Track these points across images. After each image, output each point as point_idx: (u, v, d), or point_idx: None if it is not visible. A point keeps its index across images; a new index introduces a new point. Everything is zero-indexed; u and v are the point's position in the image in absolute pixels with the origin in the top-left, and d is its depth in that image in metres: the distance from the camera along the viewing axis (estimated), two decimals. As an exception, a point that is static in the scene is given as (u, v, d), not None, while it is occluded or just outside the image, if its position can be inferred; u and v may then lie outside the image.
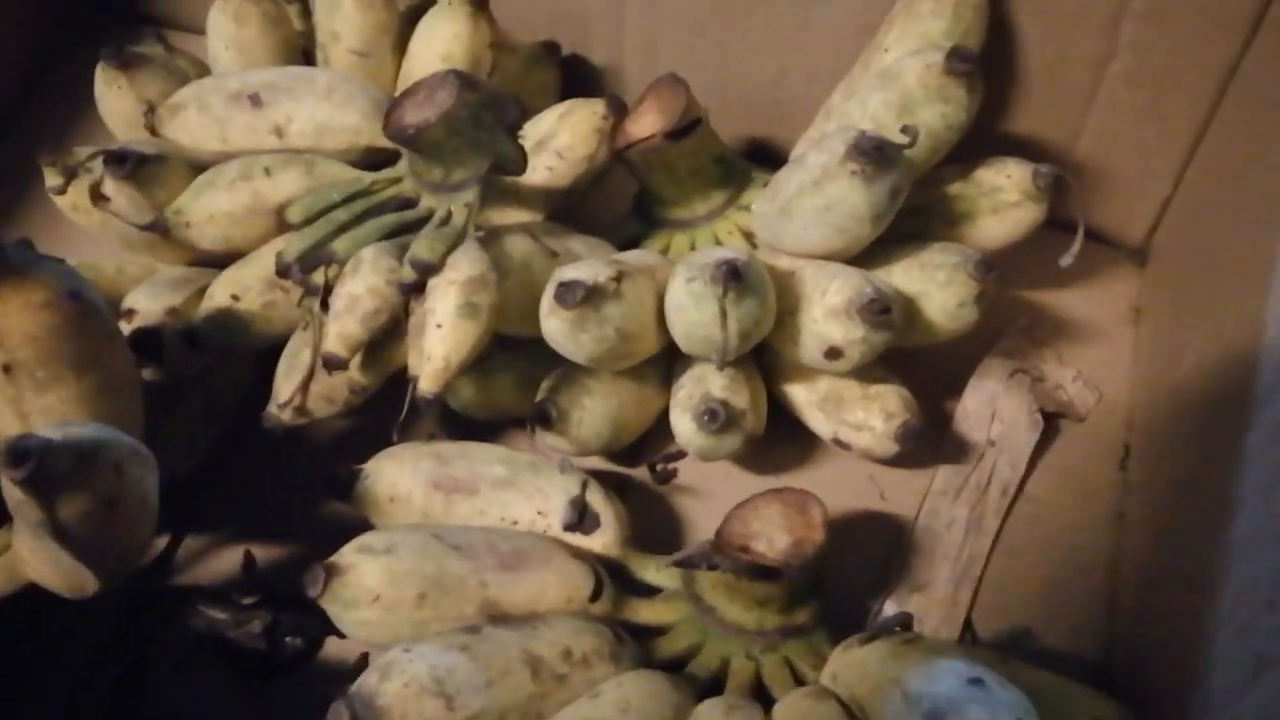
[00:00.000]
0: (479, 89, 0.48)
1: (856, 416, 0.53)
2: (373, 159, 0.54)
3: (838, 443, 0.54)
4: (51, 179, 0.58)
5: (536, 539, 0.47)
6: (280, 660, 0.52)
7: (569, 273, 0.48)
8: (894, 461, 0.56)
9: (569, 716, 0.40)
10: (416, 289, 0.47)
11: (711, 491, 0.58)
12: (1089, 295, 0.64)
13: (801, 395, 0.55)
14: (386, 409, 0.51)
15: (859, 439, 0.53)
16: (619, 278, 0.48)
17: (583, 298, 0.46)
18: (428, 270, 0.46)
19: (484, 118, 0.48)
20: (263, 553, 0.56)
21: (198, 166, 0.53)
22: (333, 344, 0.46)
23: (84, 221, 0.59)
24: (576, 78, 0.68)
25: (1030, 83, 0.60)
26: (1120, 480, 0.58)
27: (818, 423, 0.55)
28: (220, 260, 0.55)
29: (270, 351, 0.54)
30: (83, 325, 0.42)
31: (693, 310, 0.47)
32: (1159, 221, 0.64)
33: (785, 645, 0.47)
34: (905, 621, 0.43)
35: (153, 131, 0.54)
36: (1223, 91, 0.56)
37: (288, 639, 0.52)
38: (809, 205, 0.49)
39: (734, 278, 0.45)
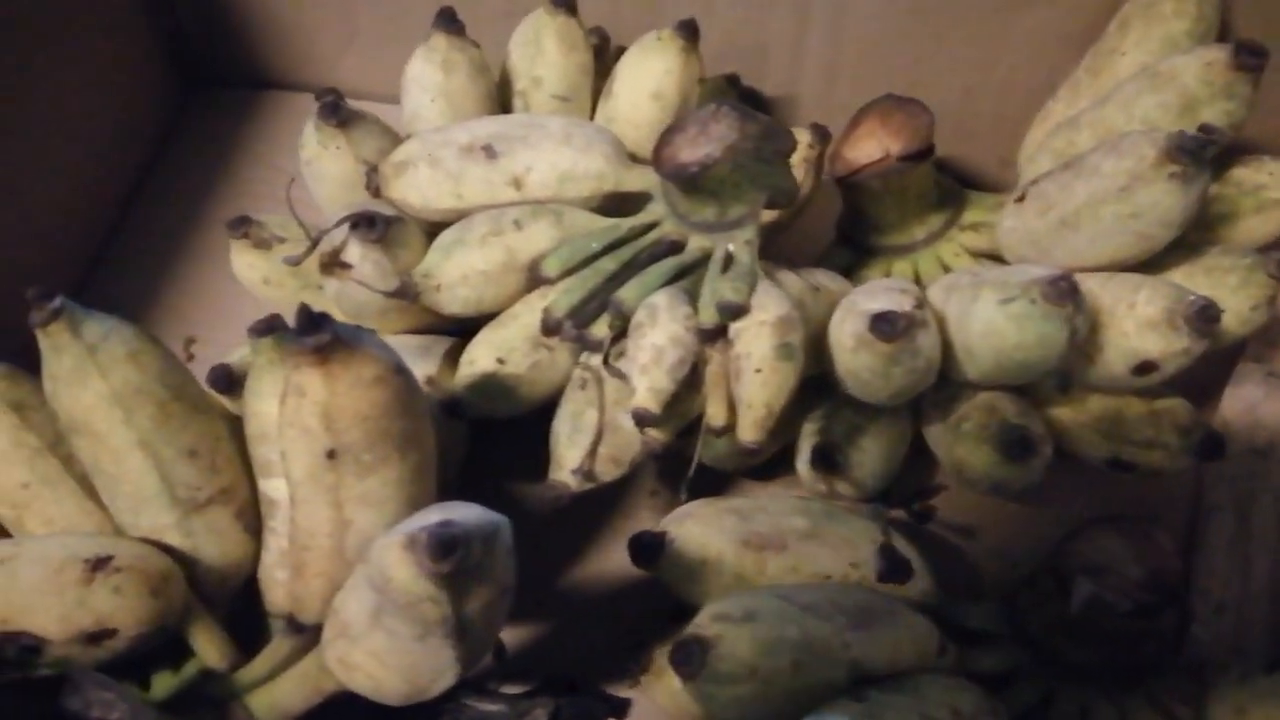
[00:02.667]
0: (757, 120, 0.45)
1: (1145, 434, 0.50)
2: (610, 205, 0.51)
3: (1116, 465, 0.52)
4: (242, 252, 0.54)
5: (866, 593, 0.44)
6: (568, 751, 0.48)
7: (873, 302, 0.45)
8: (1153, 479, 0.54)
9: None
10: (716, 335, 0.44)
11: (974, 526, 0.55)
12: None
13: (1070, 418, 0.52)
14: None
15: (1148, 458, 0.51)
16: (921, 305, 0.45)
17: (903, 329, 0.43)
18: (738, 313, 0.43)
19: (764, 149, 0.45)
20: (503, 635, 0.52)
21: (425, 226, 0.50)
22: (643, 400, 0.42)
23: (274, 295, 0.55)
24: (749, 111, 0.66)
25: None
26: (1390, 478, 0.56)
27: (1091, 445, 0.52)
28: (451, 323, 0.51)
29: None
30: (410, 401, 0.38)
31: (1013, 334, 0.44)
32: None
33: (1143, 685, 0.44)
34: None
35: (375, 193, 0.50)
36: None
37: (572, 726, 0.48)
38: (1107, 214, 0.46)
39: (1076, 293, 0.42)
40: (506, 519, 0.34)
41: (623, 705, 0.49)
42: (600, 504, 0.57)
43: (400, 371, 0.37)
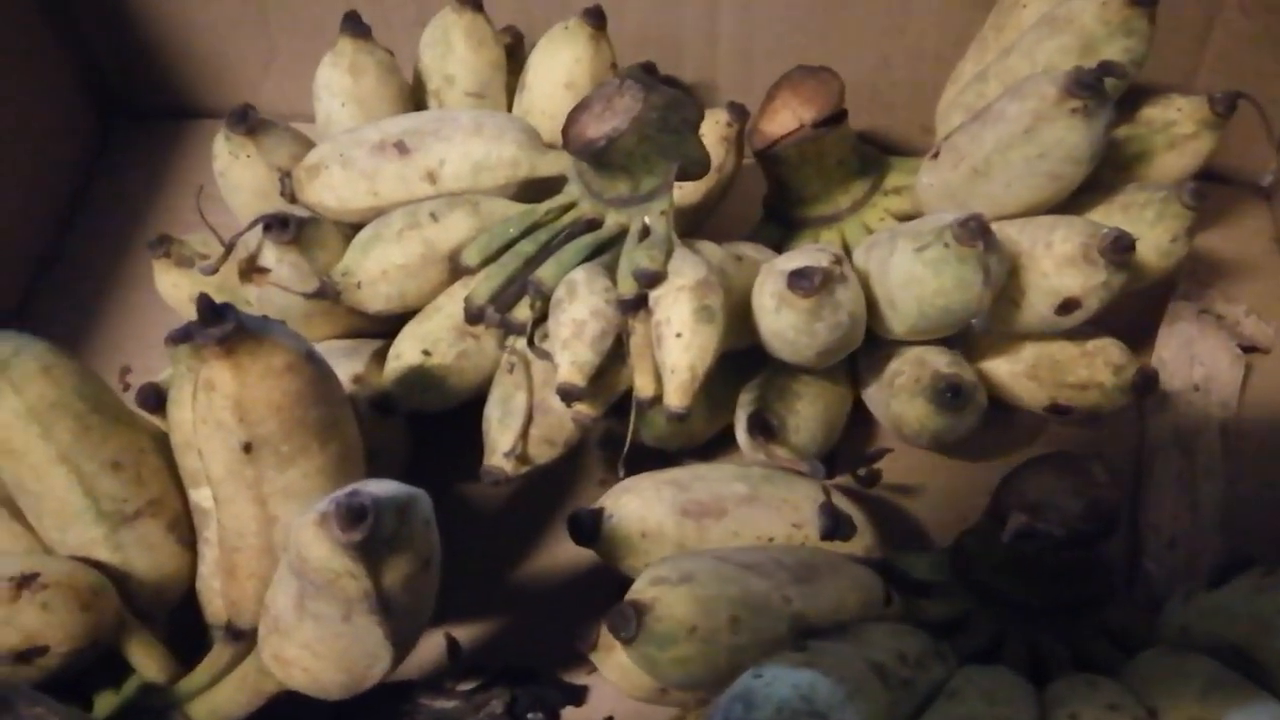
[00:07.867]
0: (660, 90, 0.46)
1: (1079, 376, 0.50)
2: (527, 192, 0.51)
3: (1054, 410, 0.52)
4: (165, 271, 0.54)
5: (810, 549, 0.44)
6: (527, 740, 0.47)
7: (791, 262, 0.45)
8: (1095, 425, 0.54)
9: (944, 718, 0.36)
10: (637, 305, 0.44)
11: (923, 486, 0.55)
12: (1228, 235, 0.63)
13: (1005, 368, 0.52)
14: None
15: (1084, 398, 0.51)
16: (839, 261, 0.46)
17: (820, 283, 0.43)
18: (654, 281, 0.43)
19: (670, 119, 0.46)
20: (458, 633, 0.52)
21: (345, 228, 0.50)
22: (566, 374, 0.42)
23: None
24: (669, 99, 0.66)
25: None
26: (1327, 404, 0.56)
27: (1028, 392, 0.52)
28: (378, 326, 0.51)
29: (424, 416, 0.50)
30: (324, 388, 0.38)
31: (931, 279, 0.44)
32: (1282, 151, 0.63)
33: (1094, 618, 0.44)
34: (1249, 560, 0.40)
35: (290, 198, 0.50)
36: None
37: (529, 715, 0.47)
38: (1016, 157, 0.47)
39: (986, 232, 0.42)
40: (424, 491, 0.34)
41: (579, 692, 0.49)
42: (549, 497, 0.56)
43: (312, 359, 0.37)
